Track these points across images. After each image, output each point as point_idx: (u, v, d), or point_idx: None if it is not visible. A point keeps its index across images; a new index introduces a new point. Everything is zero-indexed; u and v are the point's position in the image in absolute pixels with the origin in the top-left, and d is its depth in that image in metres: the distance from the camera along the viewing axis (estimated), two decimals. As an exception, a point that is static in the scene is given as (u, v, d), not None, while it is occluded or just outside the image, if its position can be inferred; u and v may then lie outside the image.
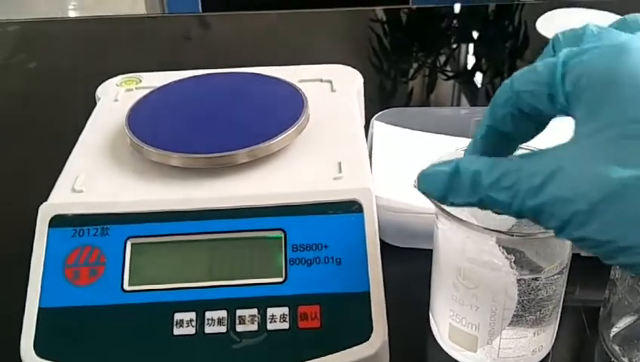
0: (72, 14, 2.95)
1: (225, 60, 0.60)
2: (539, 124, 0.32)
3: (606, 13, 0.89)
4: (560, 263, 0.39)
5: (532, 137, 0.33)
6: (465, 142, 0.36)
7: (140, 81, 0.58)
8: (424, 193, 0.33)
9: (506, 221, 0.37)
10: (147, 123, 0.48)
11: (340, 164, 0.46)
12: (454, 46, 0.93)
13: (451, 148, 0.41)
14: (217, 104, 0.50)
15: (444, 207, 0.39)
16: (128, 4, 2.31)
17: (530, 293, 0.38)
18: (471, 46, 0.94)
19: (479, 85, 0.85)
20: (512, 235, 0.36)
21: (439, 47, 0.92)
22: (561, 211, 0.27)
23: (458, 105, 0.80)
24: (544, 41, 0.43)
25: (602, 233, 0.26)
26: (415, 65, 0.89)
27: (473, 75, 0.87)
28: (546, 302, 0.39)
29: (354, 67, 0.59)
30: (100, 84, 0.58)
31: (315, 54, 0.60)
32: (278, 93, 0.51)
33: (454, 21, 1.00)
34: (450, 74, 0.86)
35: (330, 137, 0.49)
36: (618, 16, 0.32)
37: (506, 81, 0.32)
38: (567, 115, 0.29)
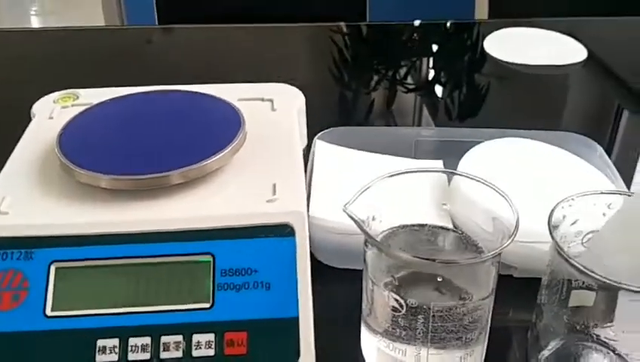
0: (34, 20, 2.91)
1: (178, 75, 0.60)
2: None
3: (550, 32, 0.91)
4: (485, 289, 0.39)
5: None
6: (406, 162, 0.36)
7: (77, 97, 0.57)
8: None
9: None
10: (78, 143, 0.47)
11: (274, 185, 0.46)
12: (413, 60, 0.94)
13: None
14: (152, 123, 0.50)
15: (369, 231, 0.39)
16: (88, 12, 2.29)
17: (456, 319, 0.38)
18: (427, 61, 0.95)
19: (438, 99, 0.85)
20: (435, 260, 0.36)
21: (397, 61, 0.93)
22: None
23: (417, 122, 0.81)
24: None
25: None
26: (373, 80, 0.89)
27: (430, 89, 0.88)
28: (472, 326, 0.39)
29: (308, 83, 0.58)
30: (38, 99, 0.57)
31: (272, 69, 0.59)
32: (215, 112, 0.51)
33: (414, 35, 1.01)
34: (411, 87, 0.86)
35: (267, 158, 0.49)
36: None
37: None
38: None
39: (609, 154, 0.61)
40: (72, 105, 0.55)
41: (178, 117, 0.50)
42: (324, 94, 0.84)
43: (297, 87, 0.59)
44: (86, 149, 0.47)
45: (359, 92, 0.87)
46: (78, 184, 0.45)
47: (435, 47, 0.99)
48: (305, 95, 0.58)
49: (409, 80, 0.89)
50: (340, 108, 0.83)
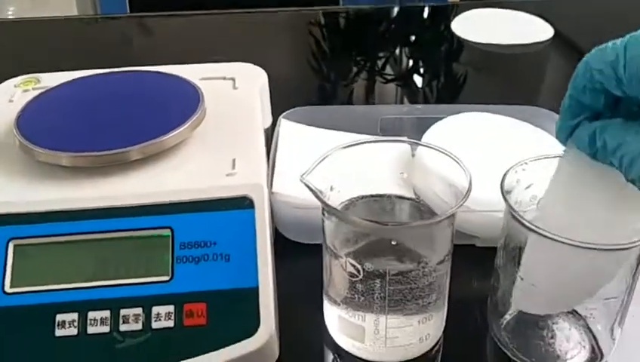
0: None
1: (148, 61, 0.59)
2: (613, 100, 0.33)
3: (517, 12, 0.91)
4: (442, 253, 0.40)
5: (611, 111, 0.34)
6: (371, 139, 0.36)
7: (39, 81, 0.57)
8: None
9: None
10: (37, 123, 0.47)
11: (234, 160, 0.46)
12: (383, 43, 0.94)
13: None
14: (111, 103, 0.50)
15: (326, 201, 0.39)
16: (64, 9, 2.27)
17: (412, 283, 0.39)
18: (395, 43, 0.96)
19: (405, 80, 0.86)
20: (387, 225, 0.37)
21: (366, 44, 0.93)
22: None
23: (384, 101, 0.81)
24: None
25: None
26: (343, 63, 0.89)
27: (398, 71, 0.88)
28: (429, 291, 0.40)
29: (278, 65, 0.59)
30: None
31: (245, 54, 0.60)
32: (174, 90, 0.51)
33: (391, 24, 1.02)
34: (380, 69, 0.86)
35: (227, 134, 0.49)
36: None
37: (586, 56, 0.33)
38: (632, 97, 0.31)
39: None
40: (33, 89, 0.55)
41: (138, 96, 0.51)
42: (294, 76, 0.84)
43: (266, 69, 0.59)
44: (45, 129, 0.47)
45: (328, 74, 0.87)
46: (38, 163, 0.45)
47: (403, 30, 0.99)
48: (275, 77, 0.59)
49: (378, 64, 0.90)
50: (308, 89, 0.83)
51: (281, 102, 0.62)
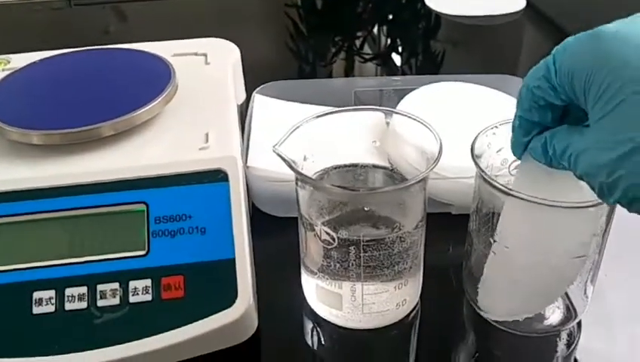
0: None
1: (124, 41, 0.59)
2: (559, 113, 0.34)
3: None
4: (415, 219, 0.40)
5: (559, 123, 0.34)
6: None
7: (9, 62, 0.56)
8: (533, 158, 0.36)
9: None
10: (7, 103, 0.47)
11: (207, 134, 0.46)
12: (356, 14, 0.94)
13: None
14: (81, 81, 0.49)
15: (300, 170, 0.40)
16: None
17: (386, 248, 0.39)
18: (367, 15, 0.95)
19: (379, 53, 0.86)
20: (359, 190, 0.37)
21: (342, 17, 0.92)
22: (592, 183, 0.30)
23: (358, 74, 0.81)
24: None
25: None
26: (327, 44, 0.89)
27: (373, 44, 0.88)
28: (403, 256, 0.40)
29: (253, 41, 0.58)
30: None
31: (225, 36, 0.59)
32: (144, 66, 0.51)
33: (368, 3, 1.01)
34: (368, 55, 0.86)
35: (200, 109, 0.49)
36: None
37: (524, 79, 0.34)
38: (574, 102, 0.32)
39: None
40: (3, 70, 0.54)
41: (108, 73, 0.50)
42: (271, 56, 0.84)
43: (243, 50, 0.59)
44: (16, 108, 0.46)
45: (305, 54, 0.87)
46: (9, 143, 0.45)
47: (379, 9, 0.99)
48: (251, 57, 0.58)
49: (357, 43, 0.90)
50: (286, 68, 0.83)
51: (258, 81, 0.62)
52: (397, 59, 0.87)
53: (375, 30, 0.94)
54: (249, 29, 0.90)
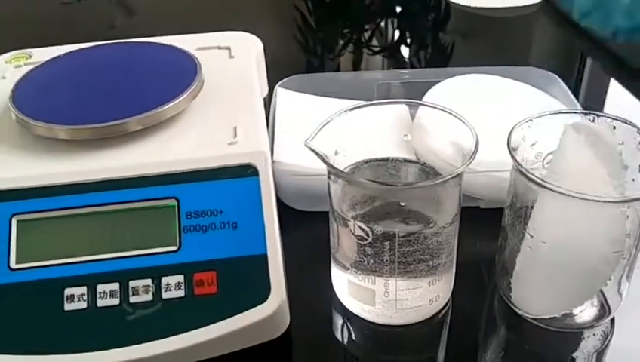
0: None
1: (144, 34, 0.58)
2: None
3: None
4: (449, 215, 0.39)
5: None
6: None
7: (30, 56, 0.56)
8: None
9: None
10: (33, 98, 0.46)
11: (235, 129, 0.45)
12: (373, 9, 0.93)
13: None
14: (108, 75, 0.49)
15: (333, 164, 0.39)
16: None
17: (421, 244, 0.39)
18: (386, 8, 0.95)
19: (400, 45, 0.85)
20: (396, 185, 0.36)
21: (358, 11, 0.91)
22: None
23: (381, 67, 0.80)
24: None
25: None
26: (337, 37, 0.89)
27: (393, 36, 0.87)
28: (438, 252, 0.40)
29: (273, 34, 0.58)
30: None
31: (240, 23, 0.59)
32: (171, 61, 0.50)
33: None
34: (377, 48, 0.86)
35: (226, 103, 0.48)
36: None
37: None
38: None
39: (568, 85, 0.61)
40: (25, 65, 0.54)
41: (134, 67, 0.50)
42: (284, 49, 0.83)
43: (261, 37, 0.58)
44: (42, 102, 0.46)
45: (314, 48, 0.86)
46: (36, 138, 0.44)
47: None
48: (269, 46, 0.58)
49: (367, 35, 0.89)
50: (300, 61, 0.82)
51: (275, 73, 0.61)
52: (412, 49, 0.86)
53: (387, 21, 0.93)
54: (256, 22, 0.89)
